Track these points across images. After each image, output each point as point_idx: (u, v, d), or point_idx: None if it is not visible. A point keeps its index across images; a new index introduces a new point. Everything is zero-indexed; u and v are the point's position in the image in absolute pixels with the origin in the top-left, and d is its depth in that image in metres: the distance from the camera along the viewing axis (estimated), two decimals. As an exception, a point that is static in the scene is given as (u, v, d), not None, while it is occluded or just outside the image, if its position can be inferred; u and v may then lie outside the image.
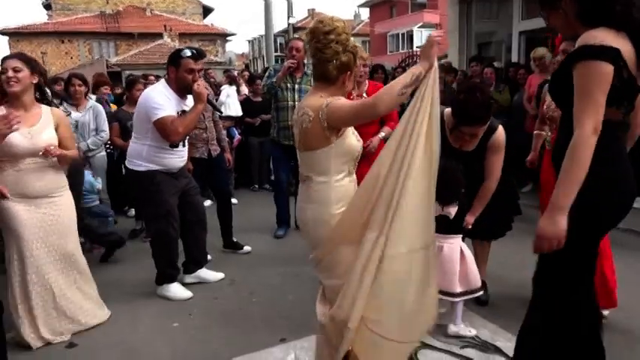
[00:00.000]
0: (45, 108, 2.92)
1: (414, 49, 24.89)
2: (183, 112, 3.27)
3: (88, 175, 4.45)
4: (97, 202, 4.60)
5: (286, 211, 4.81)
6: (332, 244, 1.96)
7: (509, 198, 3.03)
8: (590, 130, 1.51)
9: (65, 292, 2.95)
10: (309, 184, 2.01)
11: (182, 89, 3.27)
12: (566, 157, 1.57)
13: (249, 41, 47.66)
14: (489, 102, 2.64)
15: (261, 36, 24.44)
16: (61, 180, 2.97)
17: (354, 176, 2.06)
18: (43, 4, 32.85)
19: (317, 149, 1.94)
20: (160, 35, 25.94)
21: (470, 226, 2.69)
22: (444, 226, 2.51)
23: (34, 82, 2.84)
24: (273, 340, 2.78)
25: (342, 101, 1.91)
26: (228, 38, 32.62)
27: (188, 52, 3.26)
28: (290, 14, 20.04)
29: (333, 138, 1.91)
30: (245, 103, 6.68)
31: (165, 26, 26.59)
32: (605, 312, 2.70)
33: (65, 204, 2.97)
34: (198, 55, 3.29)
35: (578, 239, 1.66)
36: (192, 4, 32.91)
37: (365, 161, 2.89)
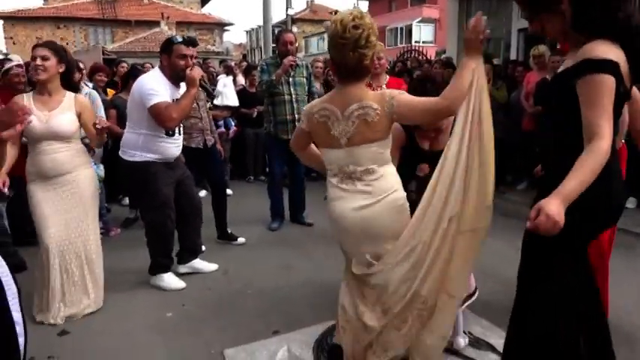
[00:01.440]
0: (69, 95, 3.02)
1: (413, 43, 24.85)
2: (177, 100, 3.24)
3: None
4: (99, 192, 4.49)
5: (280, 204, 4.80)
6: (409, 233, 1.97)
7: None
8: (610, 140, 1.56)
9: (75, 274, 3.00)
10: (368, 177, 1.98)
11: (175, 76, 3.25)
12: (588, 158, 1.55)
13: (247, 32, 47.32)
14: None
15: (259, 27, 24.26)
16: (77, 160, 3.01)
17: None
18: (38, -12, 32.46)
19: (377, 141, 1.95)
20: (157, 23, 25.75)
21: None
22: None
23: (61, 70, 2.93)
24: (267, 332, 2.78)
25: (409, 96, 1.96)
26: (225, 28, 32.40)
27: (179, 39, 3.27)
28: (289, 5, 19.91)
29: (389, 130, 1.97)
30: (241, 93, 6.64)
31: (162, 14, 26.37)
32: None
33: (82, 180, 3.03)
34: (190, 42, 3.29)
35: (568, 237, 1.66)
36: (191, -7, 32.60)
37: None
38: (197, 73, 3.22)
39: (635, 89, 1.81)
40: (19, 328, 2.14)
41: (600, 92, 1.56)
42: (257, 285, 3.46)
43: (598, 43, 1.58)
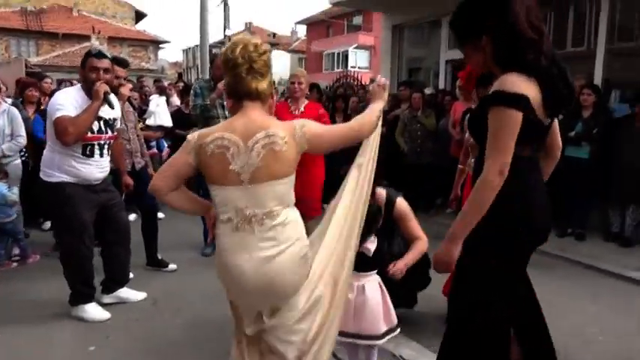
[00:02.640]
0: None
1: (349, 68, 25.54)
2: (100, 118, 3.12)
3: (0, 186, 4.08)
4: (13, 217, 4.19)
5: (215, 228, 4.69)
6: (313, 282, 1.86)
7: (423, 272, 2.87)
8: (495, 172, 1.64)
9: None
10: (271, 222, 1.74)
11: (90, 91, 3.09)
12: (471, 194, 1.71)
13: (183, 50, 46.59)
14: None
15: (197, 46, 23.88)
16: None
17: None
18: (-47, -5, 30.24)
19: (284, 177, 1.75)
20: (87, 37, 24.67)
21: (399, 274, 2.34)
22: (362, 264, 2.27)
23: None
24: (197, 364, 2.68)
25: (317, 124, 1.87)
26: (161, 46, 31.73)
27: (93, 51, 3.17)
28: (227, 26, 19.87)
29: (296, 165, 1.80)
30: (176, 114, 6.49)
31: (93, 28, 25.34)
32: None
33: None
34: (101, 54, 3.18)
35: (497, 263, 1.76)
36: (124, 8, 31.70)
37: None
38: (102, 87, 3.07)
39: (555, 122, 1.92)
40: None
41: (500, 125, 1.65)
42: (188, 315, 3.33)
43: (511, 75, 1.68)
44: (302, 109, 4.18)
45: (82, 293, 3.24)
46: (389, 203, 2.52)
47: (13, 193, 4.17)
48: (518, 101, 1.63)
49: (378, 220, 2.36)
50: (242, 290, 1.80)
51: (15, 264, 4.25)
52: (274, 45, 36.90)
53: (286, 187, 1.77)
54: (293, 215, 1.81)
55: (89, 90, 3.08)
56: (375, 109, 2.02)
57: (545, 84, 1.69)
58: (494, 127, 1.66)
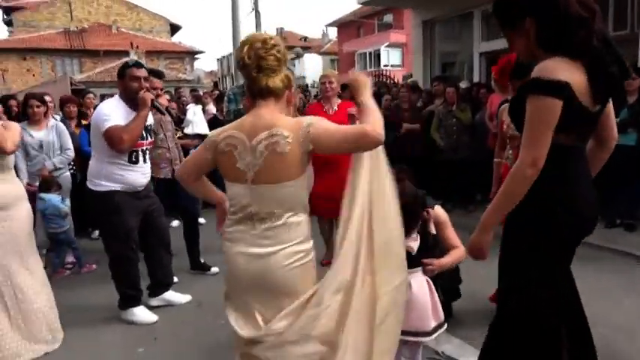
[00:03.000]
0: None
1: (382, 67, 25.40)
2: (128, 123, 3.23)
3: (53, 198, 4.28)
4: (66, 227, 4.37)
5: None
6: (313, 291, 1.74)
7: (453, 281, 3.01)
8: (528, 164, 1.59)
9: (35, 314, 2.90)
10: (271, 222, 1.74)
11: (132, 100, 3.22)
12: (503, 184, 1.66)
13: (218, 59, 47.54)
14: None
15: (231, 54, 24.43)
16: (12, 193, 2.91)
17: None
18: (3, 20, 32.07)
19: (288, 180, 1.70)
20: (126, 53, 25.62)
21: (431, 271, 2.32)
22: (408, 261, 2.17)
23: None
24: (241, 362, 2.73)
25: (329, 123, 1.73)
26: (196, 56, 32.51)
27: (130, 62, 3.33)
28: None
29: (306, 166, 1.71)
30: (212, 121, 6.64)
31: (131, 43, 26.31)
32: None
33: (21, 217, 2.92)
34: (139, 64, 3.35)
35: (541, 257, 1.72)
36: (160, 22, 32.74)
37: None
38: (148, 95, 3.21)
39: (609, 111, 1.79)
40: None
41: (537, 115, 1.59)
42: (231, 315, 3.41)
43: (552, 60, 1.60)
44: (335, 107, 4.22)
45: (131, 297, 3.38)
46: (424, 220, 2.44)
47: (66, 205, 4.37)
48: (558, 89, 1.55)
49: (417, 218, 2.32)
50: (237, 282, 1.83)
51: (68, 272, 4.46)
52: (306, 48, 37.14)
53: (291, 190, 1.72)
54: (297, 219, 1.76)
55: (129, 99, 3.22)
56: (370, 104, 1.75)
57: (595, 66, 1.59)
58: (530, 117, 1.61)
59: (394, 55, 28.94)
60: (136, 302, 3.40)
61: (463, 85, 7.22)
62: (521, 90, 1.69)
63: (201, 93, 7.67)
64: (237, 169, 1.73)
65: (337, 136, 1.68)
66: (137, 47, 26.03)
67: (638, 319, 3.17)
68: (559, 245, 1.77)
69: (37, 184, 4.32)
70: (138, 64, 3.31)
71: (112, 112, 3.14)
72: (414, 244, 2.27)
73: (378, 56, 29.24)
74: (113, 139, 3.07)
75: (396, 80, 10.07)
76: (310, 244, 1.82)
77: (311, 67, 31.13)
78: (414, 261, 2.29)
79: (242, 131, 1.73)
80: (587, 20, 1.59)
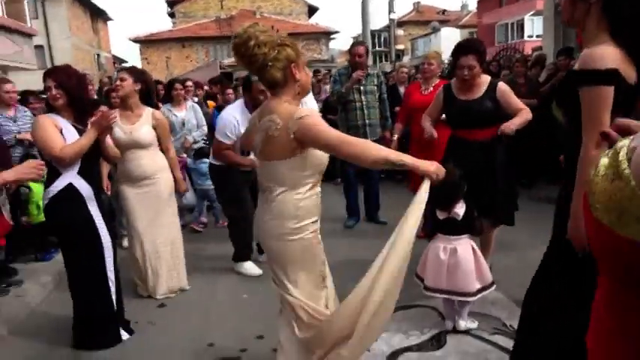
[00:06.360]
0: (147, 110, 3.55)
1: (526, 38, 23.43)
2: None
3: (204, 163, 5.00)
4: (212, 187, 4.89)
5: (355, 204, 5.16)
6: (294, 268, 1.99)
7: (510, 186, 3.28)
8: (593, 147, 1.65)
9: (165, 257, 3.58)
10: (268, 195, 1.96)
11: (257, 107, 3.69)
12: (577, 174, 1.71)
13: (353, 38, 48.20)
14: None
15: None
16: (156, 166, 3.56)
17: (319, 189, 2.02)
18: (168, 13, 36.44)
19: (281, 159, 1.87)
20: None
21: (510, 130, 2.88)
22: (454, 228, 2.58)
23: (137, 88, 3.46)
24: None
25: (318, 123, 1.82)
26: (332, 36, 33.44)
27: (255, 77, 3.71)
28: (391, 9, 20.05)
29: (298, 151, 1.85)
30: (326, 102, 7.05)
31: (272, 27, 27.92)
32: None
33: (162, 183, 3.57)
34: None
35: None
36: (299, 5, 34.23)
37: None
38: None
39: None
40: (112, 285, 2.76)
41: (594, 105, 1.66)
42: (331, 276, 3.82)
43: (599, 49, 1.64)
44: (431, 88, 4.35)
45: (243, 253, 4.01)
46: (491, 86, 3.11)
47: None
48: (610, 78, 1.62)
49: (463, 187, 2.51)
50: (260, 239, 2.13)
51: (201, 226, 5.32)
52: (443, 22, 35.70)
53: (280, 169, 1.88)
54: (287, 197, 1.90)
55: (255, 107, 3.67)
56: (391, 152, 1.87)
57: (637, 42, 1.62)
58: (587, 107, 1.68)
59: (540, 24, 26.48)
60: (247, 257, 4.01)
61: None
62: (572, 80, 1.75)
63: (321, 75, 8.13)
64: (255, 145, 2.01)
65: (319, 138, 1.81)
66: (278, 31, 27.43)
67: None
68: None
69: (184, 155, 5.20)
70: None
71: (225, 128, 3.64)
72: (460, 210, 2.46)
73: (521, 26, 27.04)
74: (214, 148, 3.79)
75: (525, 54, 9.41)
76: (302, 223, 1.93)
77: (448, 43, 29.92)
78: (460, 227, 2.49)
79: (258, 114, 2.03)
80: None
